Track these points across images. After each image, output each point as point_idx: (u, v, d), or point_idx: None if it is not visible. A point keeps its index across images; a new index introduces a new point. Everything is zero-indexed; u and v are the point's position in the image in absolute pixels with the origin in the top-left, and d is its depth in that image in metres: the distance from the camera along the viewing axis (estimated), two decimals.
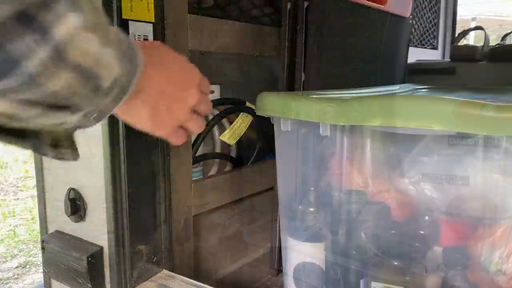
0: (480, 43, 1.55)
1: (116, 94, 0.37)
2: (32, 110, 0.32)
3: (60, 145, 0.42)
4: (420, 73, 1.54)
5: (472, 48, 1.55)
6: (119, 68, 0.36)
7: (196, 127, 0.54)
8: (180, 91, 0.51)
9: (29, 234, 2.48)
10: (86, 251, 0.74)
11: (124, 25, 0.68)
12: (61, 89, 0.32)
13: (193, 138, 0.92)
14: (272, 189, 1.09)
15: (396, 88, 1.04)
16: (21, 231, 2.51)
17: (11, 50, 0.28)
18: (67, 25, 0.30)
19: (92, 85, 0.34)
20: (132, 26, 0.70)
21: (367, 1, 1.12)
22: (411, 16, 1.35)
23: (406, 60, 1.40)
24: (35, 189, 0.88)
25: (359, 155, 0.67)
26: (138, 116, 0.49)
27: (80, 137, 0.78)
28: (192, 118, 0.53)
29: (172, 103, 0.50)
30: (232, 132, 0.99)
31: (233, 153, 1.11)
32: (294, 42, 0.96)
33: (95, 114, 0.38)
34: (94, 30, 0.32)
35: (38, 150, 0.40)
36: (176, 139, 0.54)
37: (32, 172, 1.90)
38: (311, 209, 0.75)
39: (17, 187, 3.15)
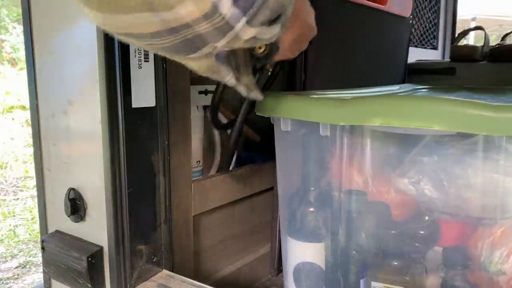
0: (480, 43, 1.55)
1: (290, 1, 0.48)
2: (264, 28, 0.44)
3: (250, 89, 0.58)
4: (420, 73, 1.54)
5: (472, 48, 1.55)
6: None
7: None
8: (313, 25, 0.66)
9: (29, 234, 2.48)
10: (86, 251, 0.74)
11: None
12: None
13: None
14: (272, 189, 1.09)
15: (396, 88, 1.04)
16: (21, 231, 2.52)
17: None
18: None
19: None
20: None
21: (367, 1, 1.12)
22: (411, 16, 1.35)
23: (406, 60, 1.40)
24: (35, 189, 0.88)
25: (359, 155, 0.67)
26: (286, 39, 0.60)
27: (80, 137, 0.78)
28: None
29: (306, 37, 0.66)
30: None
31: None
32: None
33: (284, 21, 0.48)
34: None
35: (243, 91, 0.58)
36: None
37: (32, 172, 1.90)
38: (311, 209, 0.75)
39: (17, 187, 3.15)
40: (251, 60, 0.58)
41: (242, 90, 0.57)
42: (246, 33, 0.42)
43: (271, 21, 0.45)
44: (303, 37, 0.63)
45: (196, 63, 0.49)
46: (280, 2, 0.43)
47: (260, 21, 0.42)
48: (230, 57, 0.53)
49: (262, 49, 0.60)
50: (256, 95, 0.59)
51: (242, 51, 0.55)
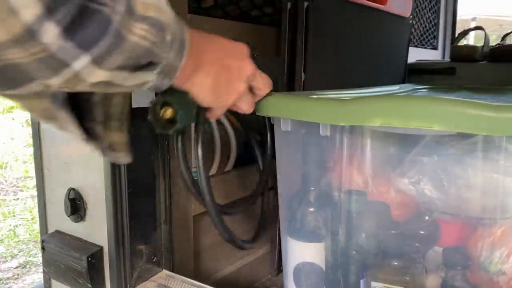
0: (480, 43, 1.55)
1: (178, 48, 0.41)
2: (122, 73, 0.37)
3: (116, 149, 0.49)
4: (420, 73, 1.54)
5: (472, 48, 1.55)
6: (174, 23, 0.39)
7: (247, 105, 0.58)
8: (237, 61, 0.54)
9: (29, 234, 2.48)
10: (86, 251, 0.74)
11: None
12: (139, 40, 0.36)
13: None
14: (272, 189, 1.09)
15: (396, 88, 1.04)
16: (21, 231, 2.51)
17: (102, 10, 0.32)
18: None
19: (160, 34, 0.38)
20: None
21: (367, 1, 1.12)
22: (411, 16, 1.35)
23: (406, 60, 1.40)
24: (35, 189, 0.88)
25: (359, 155, 0.67)
26: (201, 87, 0.50)
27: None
28: (245, 95, 0.57)
29: (231, 75, 0.53)
30: None
31: (233, 154, 1.11)
32: (294, 42, 0.96)
33: (166, 70, 0.41)
34: None
35: (101, 151, 0.48)
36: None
37: (32, 172, 1.90)
38: (311, 209, 0.75)
39: (17, 187, 3.14)
40: (155, 121, 0.50)
41: (98, 148, 0.47)
42: (93, 75, 0.35)
43: (137, 67, 0.38)
44: (228, 82, 0.53)
45: (25, 103, 0.40)
46: (146, 48, 0.36)
47: (115, 65, 0.35)
48: (96, 105, 0.45)
49: (169, 114, 0.51)
50: (118, 158, 0.49)
51: (124, 101, 0.47)
